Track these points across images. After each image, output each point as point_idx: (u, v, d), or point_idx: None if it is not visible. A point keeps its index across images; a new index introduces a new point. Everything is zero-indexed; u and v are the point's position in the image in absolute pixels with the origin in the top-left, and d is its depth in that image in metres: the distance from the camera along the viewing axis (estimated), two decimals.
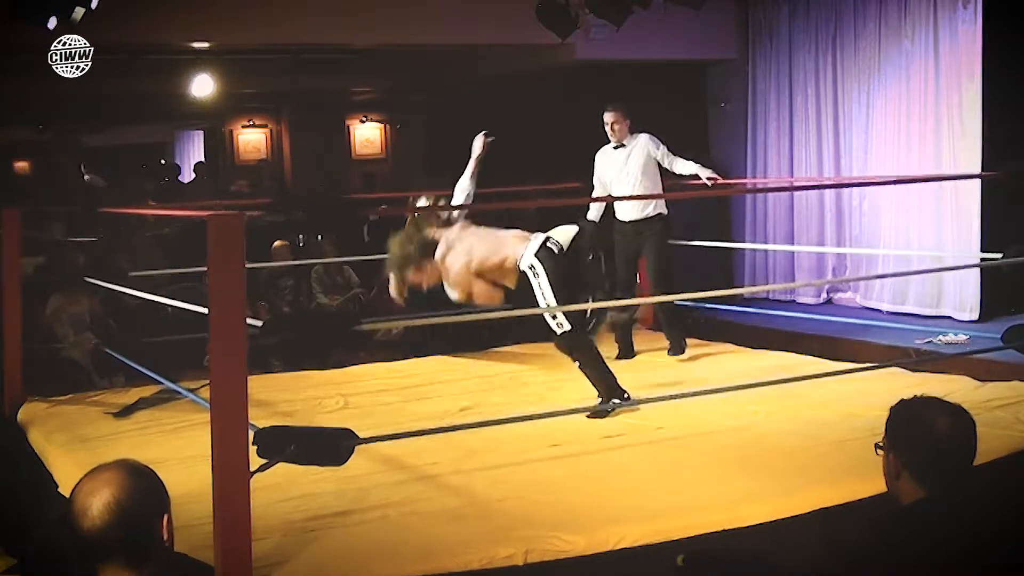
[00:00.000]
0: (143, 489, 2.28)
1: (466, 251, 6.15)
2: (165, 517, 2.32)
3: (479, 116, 14.14)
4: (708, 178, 7.70)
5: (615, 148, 7.85)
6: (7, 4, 6.78)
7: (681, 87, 11.68)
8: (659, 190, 7.82)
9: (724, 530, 4.22)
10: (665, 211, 7.84)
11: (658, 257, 7.82)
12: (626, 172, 7.79)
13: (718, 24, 10.73)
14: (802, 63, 10.36)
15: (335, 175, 15.78)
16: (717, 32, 10.85)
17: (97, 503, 2.23)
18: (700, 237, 9.13)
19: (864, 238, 9.81)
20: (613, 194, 7.85)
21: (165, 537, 2.32)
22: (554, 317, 5.94)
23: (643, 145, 7.78)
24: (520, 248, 6.09)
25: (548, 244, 6.06)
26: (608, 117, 7.83)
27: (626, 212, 7.88)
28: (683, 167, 7.72)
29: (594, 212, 8.04)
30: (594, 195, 8.03)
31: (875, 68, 9.64)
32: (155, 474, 2.37)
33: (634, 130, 7.89)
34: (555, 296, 5.94)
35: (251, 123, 16.41)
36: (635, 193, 7.76)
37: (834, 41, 10.05)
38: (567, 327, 5.96)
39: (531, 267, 5.99)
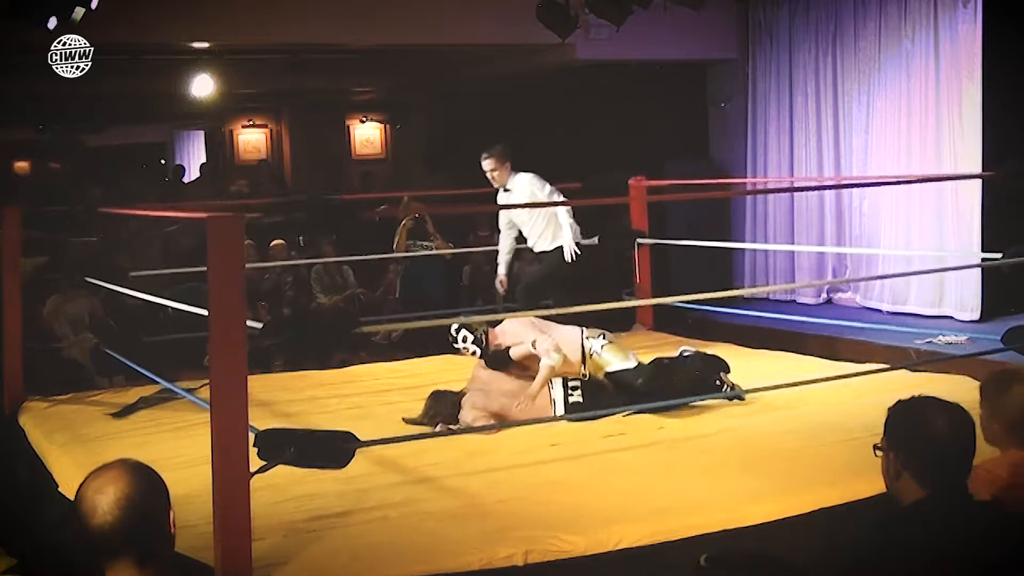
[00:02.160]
0: (148, 485, 2.31)
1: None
2: (171, 513, 2.35)
3: (479, 116, 14.25)
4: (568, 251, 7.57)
5: (504, 192, 7.65)
6: (7, 4, 6.78)
7: (681, 87, 11.68)
8: (555, 227, 7.61)
9: (724, 530, 4.22)
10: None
11: (532, 279, 7.75)
12: (523, 212, 7.67)
13: (718, 24, 10.73)
14: (802, 63, 10.36)
15: (335, 175, 15.77)
16: (717, 32, 10.85)
17: (105, 501, 2.25)
18: (700, 237, 9.12)
19: (864, 238, 9.81)
20: (525, 232, 7.78)
21: (172, 532, 2.35)
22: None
23: (523, 186, 7.57)
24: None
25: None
26: (486, 165, 7.63)
27: (531, 242, 7.84)
28: (563, 218, 7.53)
29: (505, 252, 7.97)
30: (504, 235, 7.92)
31: (875, 68, 9.64)
32: (155, 472, 2.39)
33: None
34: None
35: (251, 123, 16.41)
36: (535, 231, 7.66)
37: (834, 41, 10.05)
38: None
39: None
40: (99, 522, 2.24)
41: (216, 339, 3.88)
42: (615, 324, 8.60)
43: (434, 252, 9.23)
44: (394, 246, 9.22)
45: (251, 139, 16.49)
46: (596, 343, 6.11)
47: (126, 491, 2.26)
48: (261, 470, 3.98)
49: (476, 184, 8.04)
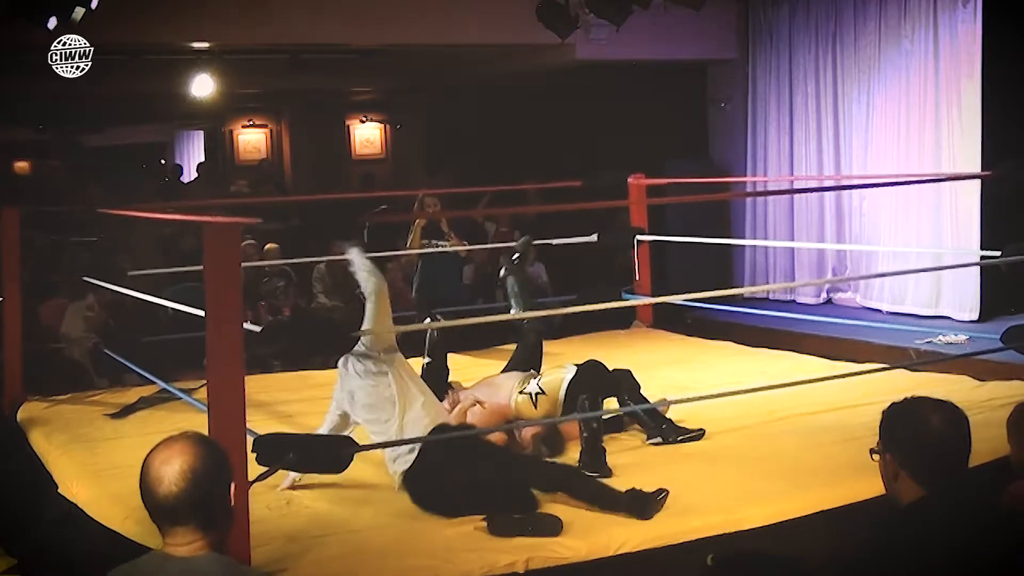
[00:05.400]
0: (213, 458, 2.42)
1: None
2: (232, 485, 2.47)
3: (479, 116, 14.25)
4: None
5: None
6: (7, 4, 6.79)
7: (681, 87, 11.67)
8: None
9: (726, 533, 4.22)
10: None
11: None
12: None
13: (718, 24, 10.72)
14: (802, 63, 10.35)
15: (335, 175, 15.77)
16: (717, 32, 10.84)
17: (171, 471, 2.36)
18: (700, 236, 9.10)
19: (864, 238, 9.80)
20: None
21: (232, 503, 2.47)
22: None
23: None
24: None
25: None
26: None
27: None
28: None
29: None
30: None
31: (875, 68, 9.63)
32: (219, 445, 2.52)
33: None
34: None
35: (251, 123, 16.41)
36: None
37: (834, 41, 10.04)
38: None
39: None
40: (164, 492, 2.35)
41: (213, 344, 3.86)
42: (614, 322, 8.63)
43: (449, 249, 9.08)
44: (408, 244, 9.09)
45: (251, 139, 16.49)
46: (532, 385, 5.51)
47: (192, 463, 2.37)
48: (260, 478, 3.98)
49: (476, 183, 8.04)
